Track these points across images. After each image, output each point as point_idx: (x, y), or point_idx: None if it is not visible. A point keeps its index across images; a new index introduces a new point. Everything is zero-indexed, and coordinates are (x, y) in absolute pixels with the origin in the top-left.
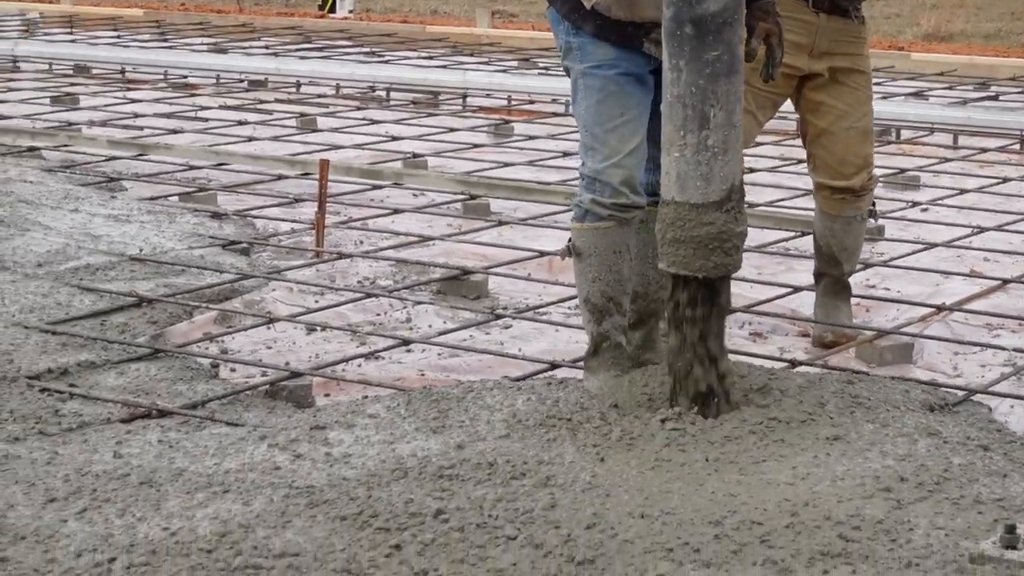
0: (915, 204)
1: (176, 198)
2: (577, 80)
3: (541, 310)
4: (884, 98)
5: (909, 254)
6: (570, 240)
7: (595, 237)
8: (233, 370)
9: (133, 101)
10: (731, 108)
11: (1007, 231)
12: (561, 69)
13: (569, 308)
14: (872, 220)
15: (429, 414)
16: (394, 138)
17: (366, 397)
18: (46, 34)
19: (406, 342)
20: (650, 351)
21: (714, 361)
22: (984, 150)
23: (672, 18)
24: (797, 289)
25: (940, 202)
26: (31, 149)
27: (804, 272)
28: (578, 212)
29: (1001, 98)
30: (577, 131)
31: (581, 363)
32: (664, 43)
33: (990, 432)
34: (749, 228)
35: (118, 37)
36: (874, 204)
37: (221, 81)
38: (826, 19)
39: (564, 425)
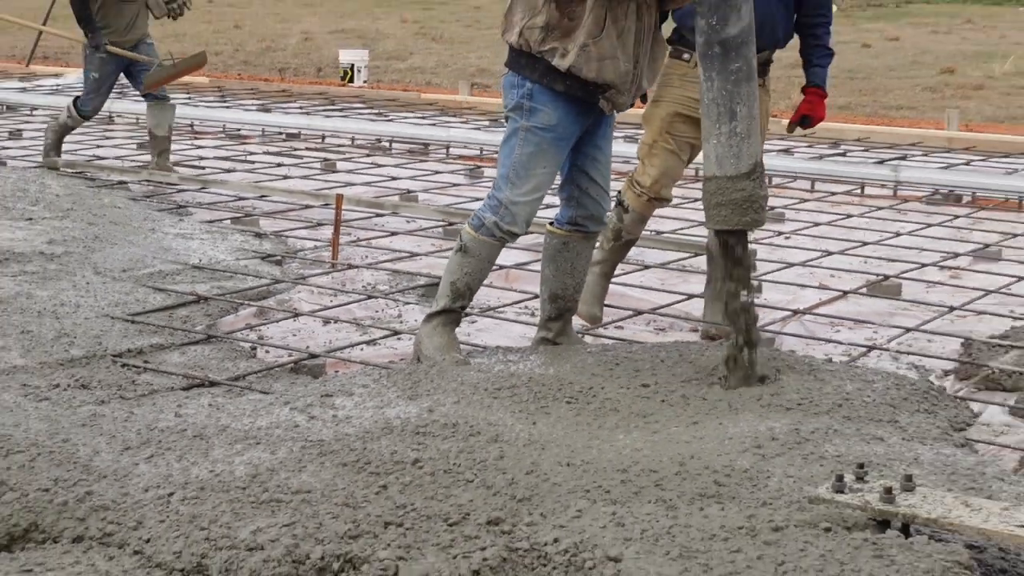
0: (780, 233)
1: (228, 221)
2: (518, 131)
3: (499, 310)
4: None
5: (775, 271)
6: (460, 238)
7: (483, 247)
8: (267, 351)
9: (199, 147)
10: (751, 104)
11: (848, 255)
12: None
13: (519, 309)
14: None
15: (405, 384)
16: (393, 178)
17: (358, 372)
18: (134, 95)
19: (396, 332)
20: (565, 336)
21: (742, 289)
22: (833, 193)
23: (704, 42)
24: (690, 296)
25: (799, 232)
26: (120, 182)
27: (697, 284)
28: (476, 222)
29: (848, 154)
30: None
31: (518, 349)
32: (699, 61)
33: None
34: (655, 249)
35: (189, 98)
36: None
37: (265, 133)
38: None
39: (499, 393)
